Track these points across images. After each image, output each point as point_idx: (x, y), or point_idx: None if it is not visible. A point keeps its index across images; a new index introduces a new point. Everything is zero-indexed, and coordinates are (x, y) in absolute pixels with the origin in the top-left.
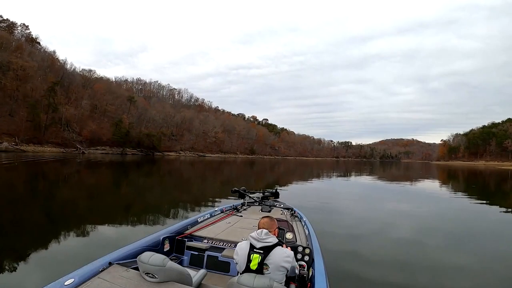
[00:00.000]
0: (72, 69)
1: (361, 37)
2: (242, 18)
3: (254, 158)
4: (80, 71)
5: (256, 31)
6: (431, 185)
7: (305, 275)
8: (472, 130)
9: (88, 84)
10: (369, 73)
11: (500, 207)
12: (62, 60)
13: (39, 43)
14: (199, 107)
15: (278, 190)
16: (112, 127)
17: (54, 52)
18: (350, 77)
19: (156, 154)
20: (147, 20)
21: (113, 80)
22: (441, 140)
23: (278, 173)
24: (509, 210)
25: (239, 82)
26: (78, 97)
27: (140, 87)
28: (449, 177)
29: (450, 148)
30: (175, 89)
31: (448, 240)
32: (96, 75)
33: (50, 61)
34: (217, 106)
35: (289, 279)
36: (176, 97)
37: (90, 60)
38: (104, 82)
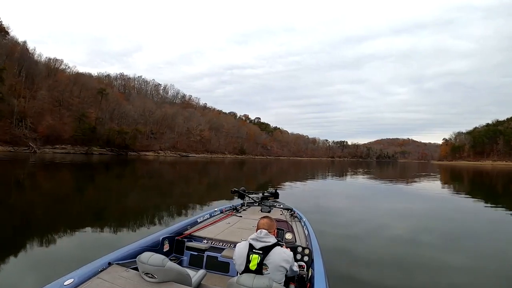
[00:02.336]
0: (40, 59)
1: (357, 37)
2: (238, 18)
3: (244, 159)
4: (44, 60)
5: (252, 31)
6: (444, 191)
7: (304, 276)
8: (476, 128)
9: (52, 73)
10: (364, 73)
11: (507, 210)
12: (31, 49)
13: (8, 32)
14: (184, 104)
15: (277, 191)
16: (75, 122)
17: (25, 42)
18: (346, 77)
19: (130, 154)
20: (142, 19)
21: (96, 75)
22: (443, 139)
23: (270, 175)
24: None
25: (234, 82)
26: (40, 88)
27: (124, 82)
28: (458, 179)
29: (453, 147)
30: (159, 84)
31: (449, 240)
32: (63, 65)
33: (10, 49)
34: (205, 103)
35: (288, 279)
36: (161, 93)
37: (84, 59)
38: (71, 73)
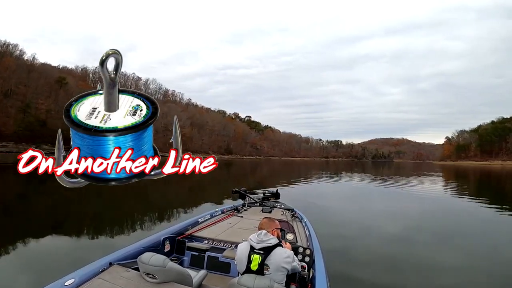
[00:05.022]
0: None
1: (350, 37)
2: (232, 18)
3: (231, 159)
4: None
5: (245, 31)
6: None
7: (305, 276)
8: (480, 126)
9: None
10: (357, 73)
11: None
12: None
13: None
14: (166, 100)
15: (278, 191)
16: (20, 115)
17: None
18: (339, 77)
19: None
20: (136, 19)
21: (73, 68)
22: (446, 138)
23: (259, 179)
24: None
25: (227, 82)
26: None
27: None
28: (462, 181)
29: (458, 146)
30: (140, 78)
31: (451, 242)
32: (18, 51)
33: None
34: (189, 99)
35: (290, 280)
36: (142, 88)
37: (75, 58)
38: (28, 60)
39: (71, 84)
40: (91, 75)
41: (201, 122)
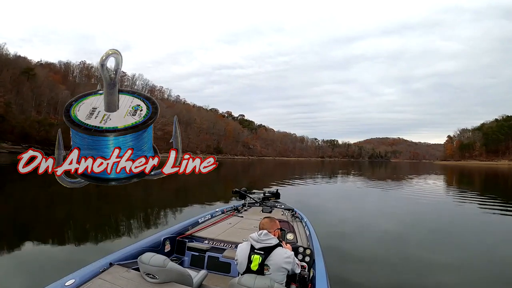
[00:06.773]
0: None
1: (346, 37)
2: (227, 18)
3: (221, 159)
4: None
5: (241, 31)
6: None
7: (306, 276)
8: (483, 124)
9: None
10: (353, 73)
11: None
12: None
13: None
14: (153, 96)
15: (279, 191)
16: None
17: None
18: (334, 77)
19: None
20: (131, 18)
21: (56, 62)
22: (447, 137)
23: (253, 179)
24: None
25: (222, 82)
26: None
27: (87, 72)
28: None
29: (462, 146)
30: (124, 73)
31: (455, 242)
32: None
33: None
34: (178, 95)
35: (290, 280)
36: (127, 83)
37: (71, 58)
38: None
39: (40, 76)
40: (77, 70)
41: (188, 119)
